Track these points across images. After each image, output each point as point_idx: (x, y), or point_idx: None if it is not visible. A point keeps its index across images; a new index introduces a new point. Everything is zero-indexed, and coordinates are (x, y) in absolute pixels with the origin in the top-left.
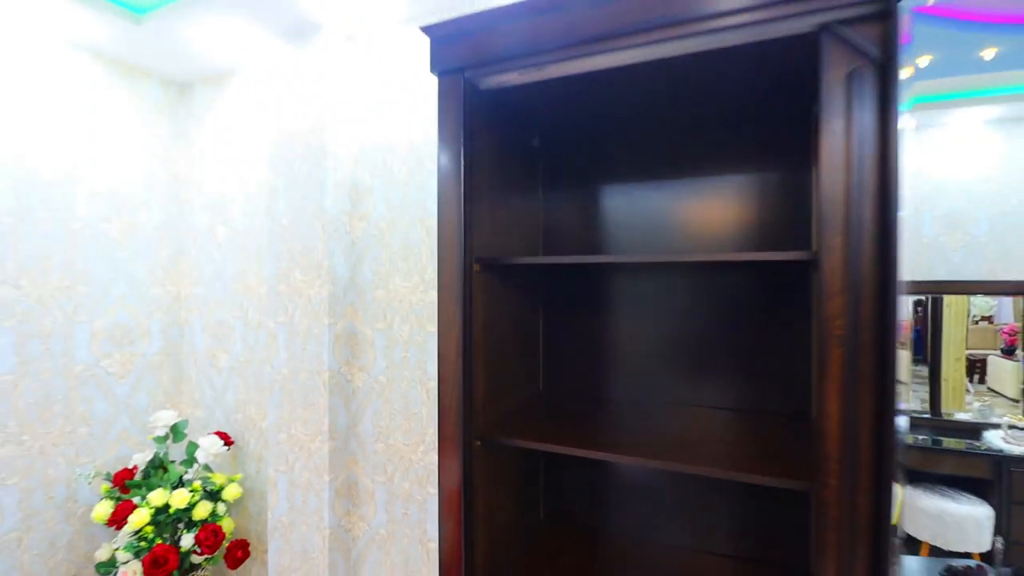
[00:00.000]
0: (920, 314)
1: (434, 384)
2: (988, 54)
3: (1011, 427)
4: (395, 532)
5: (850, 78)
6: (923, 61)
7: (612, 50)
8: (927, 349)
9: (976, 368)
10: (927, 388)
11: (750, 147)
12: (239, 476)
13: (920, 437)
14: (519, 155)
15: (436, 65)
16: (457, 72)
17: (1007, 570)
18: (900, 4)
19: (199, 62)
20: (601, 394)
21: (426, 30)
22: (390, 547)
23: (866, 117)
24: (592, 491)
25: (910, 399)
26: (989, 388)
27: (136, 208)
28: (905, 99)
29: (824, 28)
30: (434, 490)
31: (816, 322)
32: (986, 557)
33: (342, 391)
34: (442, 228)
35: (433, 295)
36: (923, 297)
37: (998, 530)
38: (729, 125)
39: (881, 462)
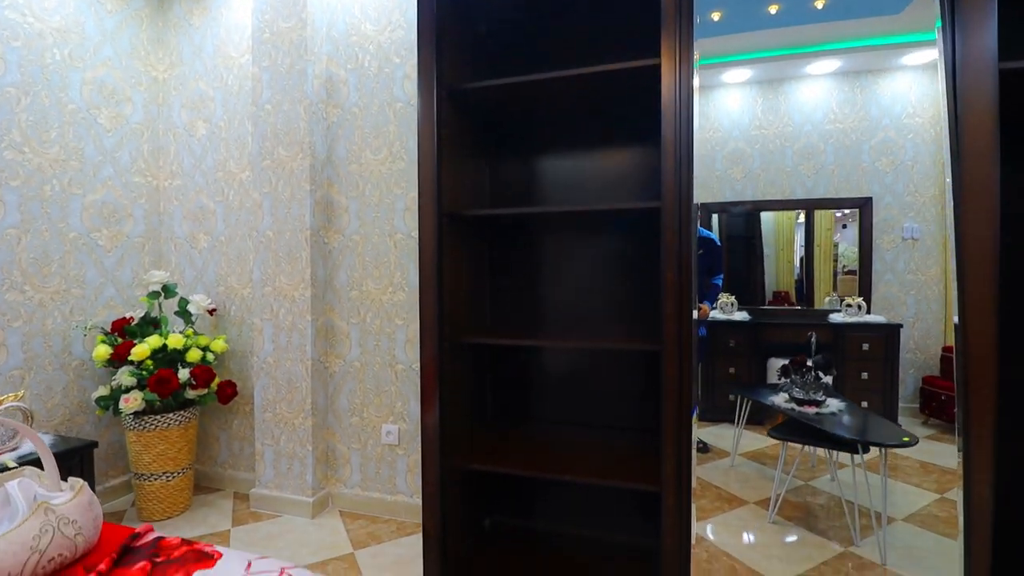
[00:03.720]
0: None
1: (400, 236)
2: (773, 9)
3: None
4: (368, 362)
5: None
6: (716, 15)
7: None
8: (803, 263)
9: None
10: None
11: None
12: (224, 336)
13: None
14: (472, 134)
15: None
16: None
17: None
18: None
19: None
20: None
21: None
22: (363, 375)
23: (685, 49)
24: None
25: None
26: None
27: (122, 102)
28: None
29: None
30: (401, 322)
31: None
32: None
33: (320, 250)
34: (421, 70)
35: (399, 164)
36: (801, 216)
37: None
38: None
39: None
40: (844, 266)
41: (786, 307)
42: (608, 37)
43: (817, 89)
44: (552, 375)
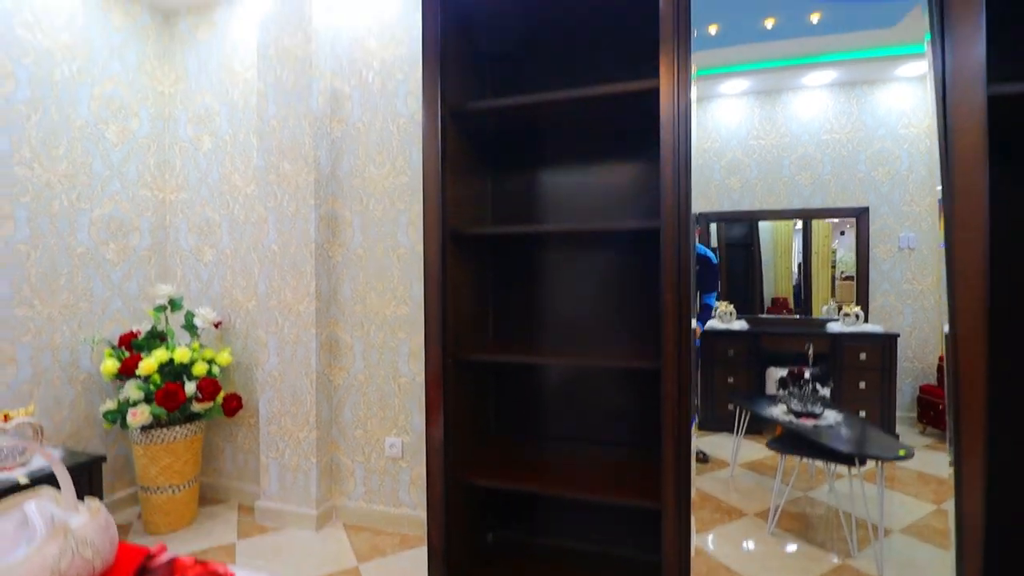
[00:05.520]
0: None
1: (404, 250)
2: (768, 23)
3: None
4: (372, 375)
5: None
6: (712, 29)
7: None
8: (801, 269)
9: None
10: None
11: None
12: (229, 349)
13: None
14: (475, 151)
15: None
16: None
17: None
18: None
19: None
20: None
21: None
22: (367, 388)
23: (683, 68)
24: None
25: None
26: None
27: (129, 116)
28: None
29: None
30: (404, 335)
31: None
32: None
33: (324, 263)
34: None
35: (403, 179)
36: (799, 223)
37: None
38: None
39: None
40: (842, 272)
41: (784, 315)
42: (608, 53)
43: (814, 100)
44: (554, 390)
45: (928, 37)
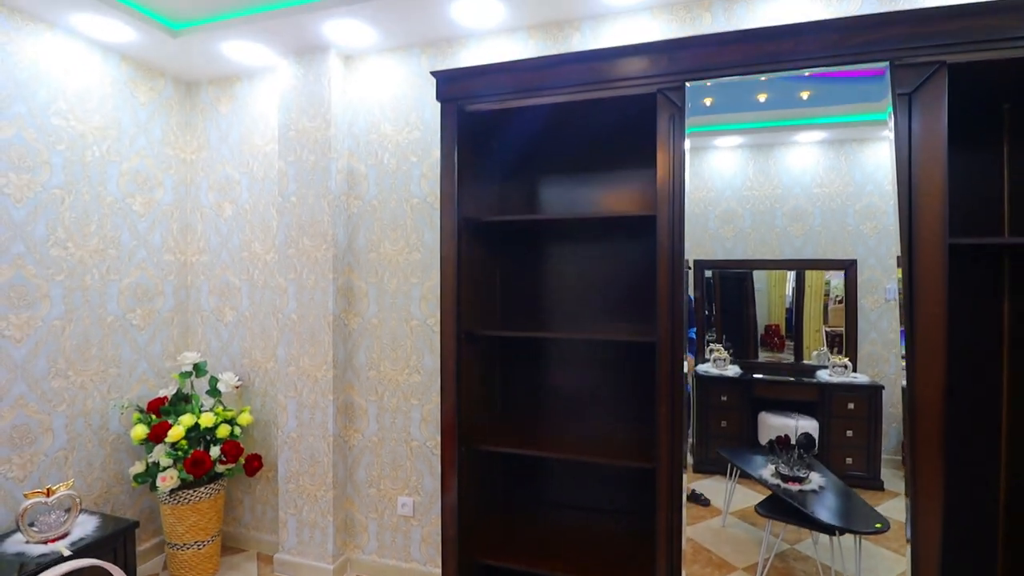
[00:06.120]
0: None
1: (416, 323)
2: (761, 97)
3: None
4: (385, 438)
5: (671, 119)
6: (708, 101)
7: (542, 96)
8: (794, 316)
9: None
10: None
11: (625, 156)
12: (248, 408)
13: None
14: (485, 155)
15: (441, 95)
16: (452, 101)
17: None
18: (688, 85)
19: (210, 68)
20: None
21: (435, 74)
22: (380, 450)
23: (677, 140)
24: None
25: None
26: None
27: (154, 187)
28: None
29: (659, 91)
30: (416, 402)
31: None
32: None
33: (341, 332)
34: (443, 200)
35: (416, 256)
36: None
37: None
38: (612, 143)
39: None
40: (836, 296)
41: (776, 358)
42: (610, 155)
43: (805, 155)
44: (560, 465)
45: (890, 110)
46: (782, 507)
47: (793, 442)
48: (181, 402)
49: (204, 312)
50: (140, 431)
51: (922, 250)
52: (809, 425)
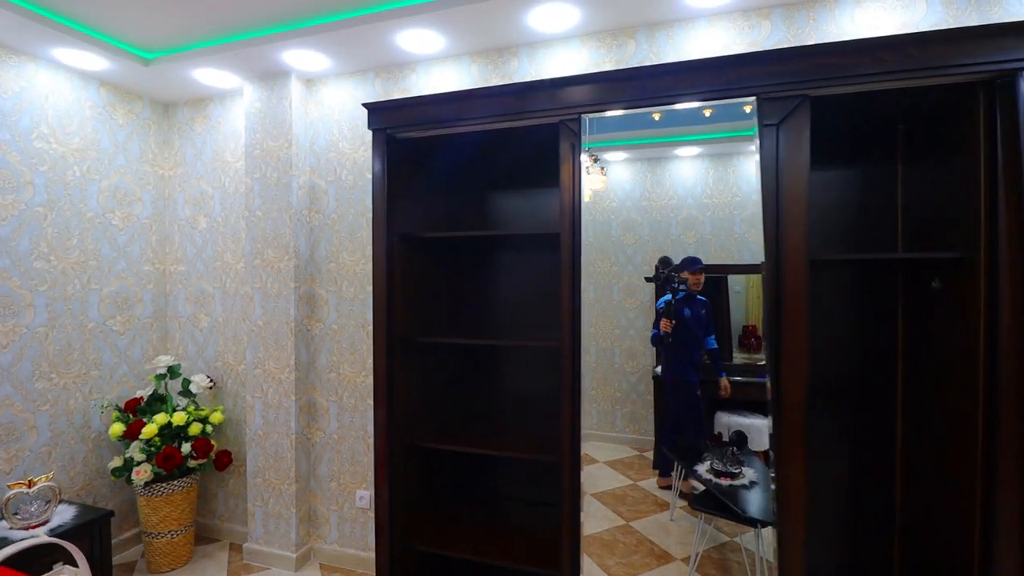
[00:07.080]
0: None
1: (371, 328)
2: (656, 116)
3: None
4: (344, 435)
5: (572, 147)
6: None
7: (462, 125)
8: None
9: None
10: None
11: (550, 175)
12: (221, 407)
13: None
14: (423, 173)
15: (371, 125)
16: (382, 130)
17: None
18: (589, 116)
19: (184, 90)
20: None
21: (366, 106)
22: (341, 446)
23: (577, 162)
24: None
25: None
26: None
27: (133, 202)
28: (584, 152)
29: (561, 122)
30: (372, 402)
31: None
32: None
33: (303, 337)
34: (375, 220)
35: (370, 266)
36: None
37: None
38: (539, 163)
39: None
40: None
41: (752, 359)
42: (538, 173)
43: (695, 167)
44: (503, 461)
45: (755, 131)
46: (713, 501)
47: (726, 439)
48: (156, 402)
49: (181, 318)
50: (117, 428)
51: (787, 266)
52: (762, 424)
